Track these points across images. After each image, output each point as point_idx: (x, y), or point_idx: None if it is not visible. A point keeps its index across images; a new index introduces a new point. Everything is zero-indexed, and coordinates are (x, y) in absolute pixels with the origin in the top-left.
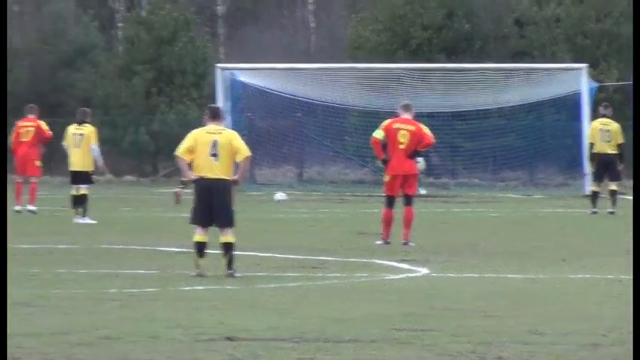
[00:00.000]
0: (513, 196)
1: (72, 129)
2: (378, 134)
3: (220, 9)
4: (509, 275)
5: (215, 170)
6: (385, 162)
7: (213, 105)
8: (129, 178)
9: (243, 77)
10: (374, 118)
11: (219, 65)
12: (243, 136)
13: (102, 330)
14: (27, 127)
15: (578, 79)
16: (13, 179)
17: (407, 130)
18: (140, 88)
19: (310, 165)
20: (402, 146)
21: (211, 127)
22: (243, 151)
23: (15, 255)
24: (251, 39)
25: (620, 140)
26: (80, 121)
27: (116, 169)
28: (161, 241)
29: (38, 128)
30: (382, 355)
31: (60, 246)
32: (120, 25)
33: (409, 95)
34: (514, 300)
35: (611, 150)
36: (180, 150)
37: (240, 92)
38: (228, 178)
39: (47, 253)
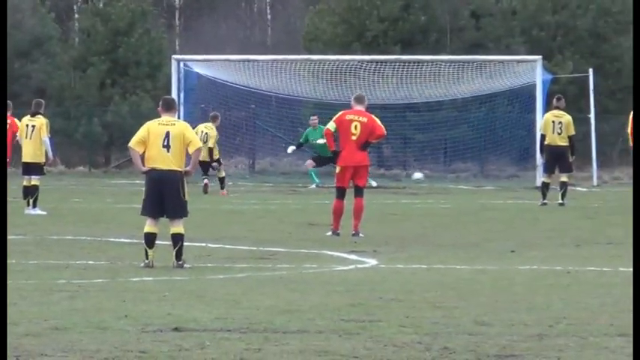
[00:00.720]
0: (464, 187)
1: (25, 120)
2: (331, 126)
3: (177, 1)
4: (457, 266)
5: (167, 161)
6: (336, 154)
7: (167, 97)
8: (81, 169)
9: (197, 68)
10: (328, 109)
11: (174, 56)
12: (195, 127)
13: (50, 321)
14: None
15: (532, 71)
16: None
17: (359, 121)
18: (94, 80)
19: (262, 156)
20: (354, 137)
21: (164, 118)
22: (195, 142)
23: None
24: (207, 31)
25: (572, 132)
26: (33, 113)
27: (68, 160)
28: (111, 233)
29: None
30: (329, 345)
31: (10, 237)
32: (76, 16)
33: (363, 87)
34: (462, 291)
35: (562, 142)
36: (133, 141)
37: (194, 83)
38: (180, 169)
39: None
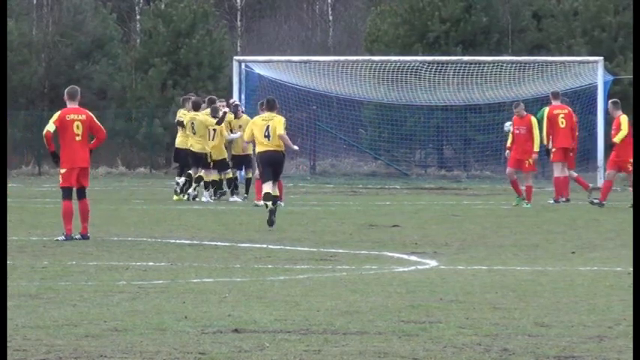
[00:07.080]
0: None
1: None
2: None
3: (239, 1)
4: (518, 268)
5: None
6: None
7: (269, 97)
8: (142, 170)
9: (259, 69)
10: (389, 110)
11: (236, 57)
12: None
13: (110, 322)
14: None
15: (593, 72)
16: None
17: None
18: (156, 81)
19: (323, 157)
20: (78, 138)
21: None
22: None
23: (24, 247)
24: (269, 32)
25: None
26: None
27: (129, 161)
28: (172, 234)
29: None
30: (389, 346)
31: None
32: (138, 17)
33: (425, 88)
34: (522, 292)
35: None
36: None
37: (255, 84)
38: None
39: (57, 245)
